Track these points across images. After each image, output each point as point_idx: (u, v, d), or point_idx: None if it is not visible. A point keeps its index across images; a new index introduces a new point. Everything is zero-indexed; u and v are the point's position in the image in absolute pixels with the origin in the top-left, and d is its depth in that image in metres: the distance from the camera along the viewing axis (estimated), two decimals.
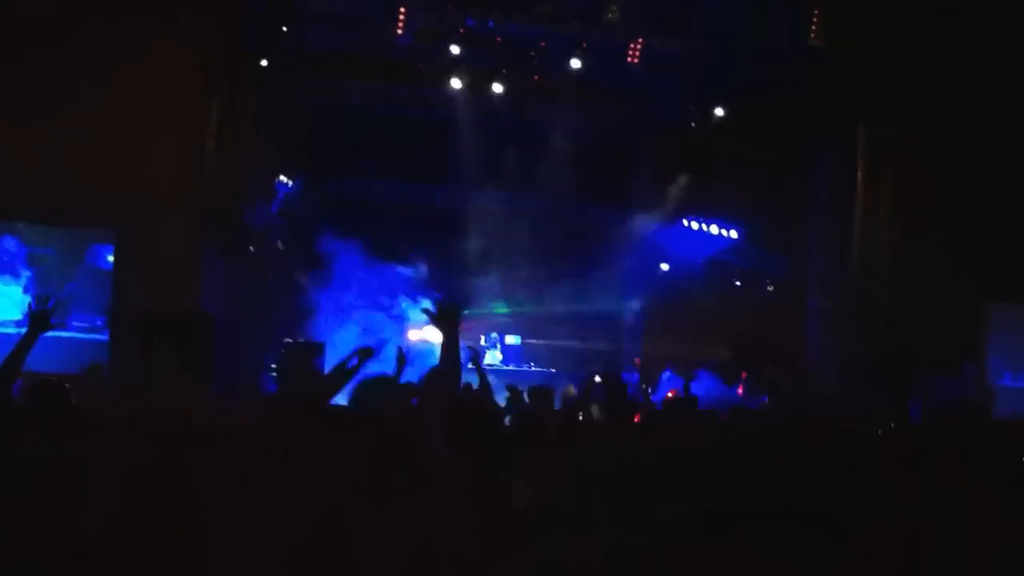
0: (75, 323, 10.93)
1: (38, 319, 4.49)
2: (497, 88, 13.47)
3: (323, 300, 13.05)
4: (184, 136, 11.06)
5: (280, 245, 13.20)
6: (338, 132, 13.34)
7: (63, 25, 10.69)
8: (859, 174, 13.19)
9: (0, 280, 11.02)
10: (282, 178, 13.08)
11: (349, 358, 4.77)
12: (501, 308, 15.11)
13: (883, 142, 13.18)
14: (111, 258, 11.18)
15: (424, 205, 14.32)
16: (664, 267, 15.01)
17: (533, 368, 14.56)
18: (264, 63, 11.93)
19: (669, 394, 11.18)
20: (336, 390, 5.16)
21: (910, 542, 3.00)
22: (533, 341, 15.11)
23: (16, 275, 11.04)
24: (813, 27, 12.76)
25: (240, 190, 11.64)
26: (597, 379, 8.25)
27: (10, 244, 11.06)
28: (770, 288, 14.41)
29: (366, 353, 4.54)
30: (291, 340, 12.29)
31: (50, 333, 4.61)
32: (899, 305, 12.39)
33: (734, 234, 14.51)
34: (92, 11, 10.70)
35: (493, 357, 14.84)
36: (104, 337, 10.89)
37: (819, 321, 13.46)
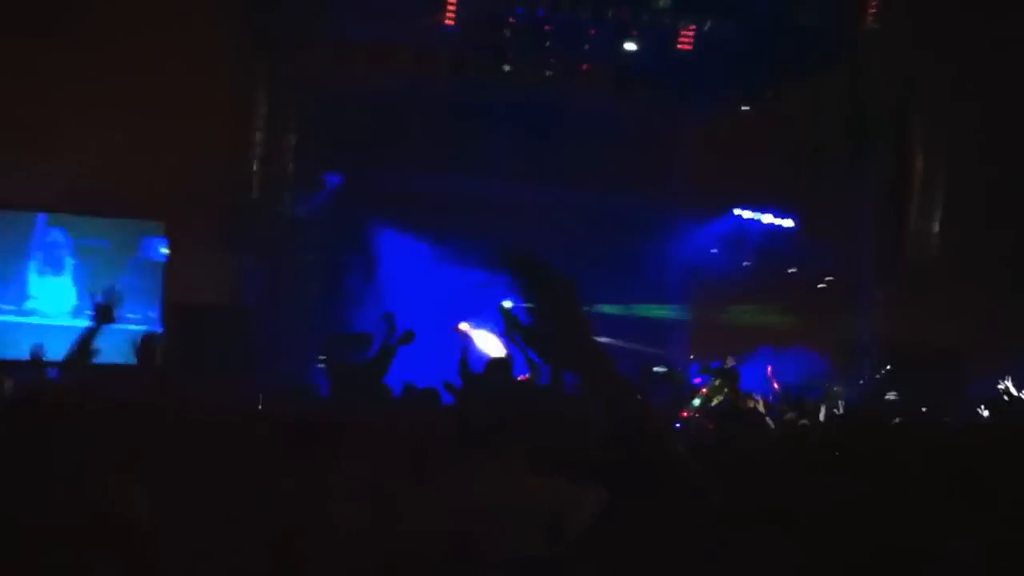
0: (128, 315, 11.06)
1: (102, 312, 4.60)
2: (544, 77, 13.38)
3: (368, 292, 13.06)
4: (229, 130, 11.14)
5: (325, 238, 13.21)
6: (382, 124, 13.28)
7: (111, 22, 10.81)
8: (916, 161, 12.89)
9: (50, 272, 11.18)
10: (327, 171, 13.09)
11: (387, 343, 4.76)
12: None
13: (941, 128, 12.87)
14: (164, 250, 11.29)
15: (469, 197, 14.22)
16: (714, 254, 14.76)
17: None
18: (308, 56, 11.94)
19: None
20: (381, 374, 5.19)
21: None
22: None
23: (63, 267, 11.19)
24: (869, 10, 12.53)
25: (284, 183, 11.69)
26: (656, 369, 8.17)
27: (57, 236, 11.21)
28: (828, 279, 14.11)
29: (405, 338, 4.57)
30: (338, 332, 12.27)
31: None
32: (953, 298, 12.10)
33: (789, 223, 14.25)
34: (140, 7, 10.81)
35: None
36: (158, 329, 11.00)
37: (870, 312, 13.20)
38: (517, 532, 3.16)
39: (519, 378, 7.01)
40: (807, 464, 4.16)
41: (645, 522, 2.97)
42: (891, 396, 10.57)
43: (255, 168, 11.33)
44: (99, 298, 4.70)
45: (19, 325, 10.93)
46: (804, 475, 3.84)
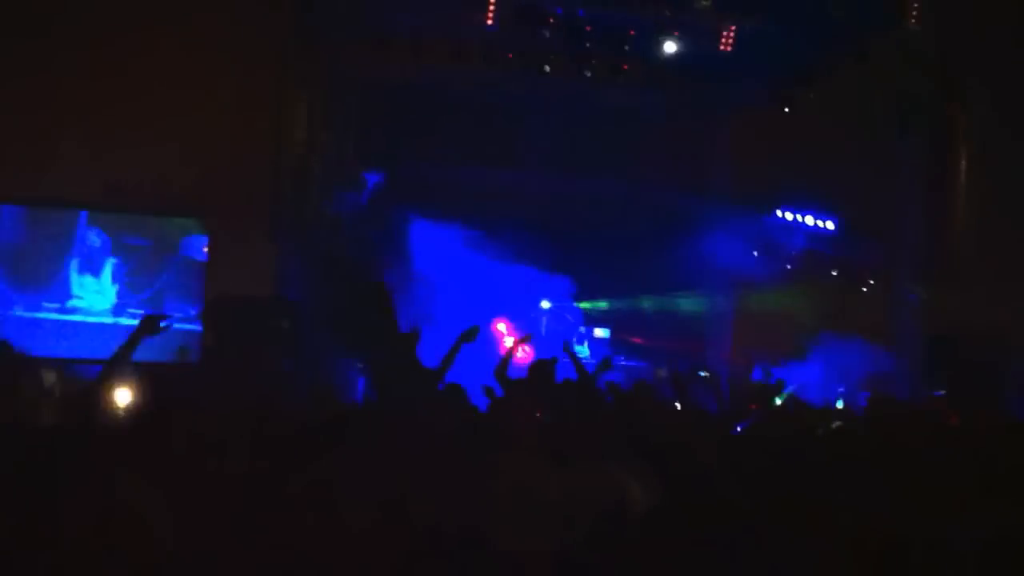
0: (170, 313, 11.13)
1: (148, 324, 4.69)
2: (584, 75, 13.33)
3: (409, 289, 13.04)
4: (267, 126, 11.17)
5: (366, 234, 13.20)
6: (423, 119, 13.28)
7: (144, 17, 10.88)
8: (956, 158, 12.67)
9: (91, 270, 11.27)
10: (367, 167, 13.08)
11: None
12: (587, 304, 14.95)
13: (980, 124, 12.64)
14: (206, 249, 11.35)
15: (510, 192, 14.15)
16: (754, 256, 14.61)
17: (623, 362, 14.33)
18: (345, 51, 11.93)
19: None
20: (444, 374, 5.21)
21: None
22: (623, 335, 14.89)
23: (102, 267, 11.29)
24: (913, 9, 12.36)
25: (322, 180, 11.69)
26: (702, 374, 8.14)
27: (94, 239, 11.30)
28: (870, 281, 13.93)
29: (469, 335, 4.57)
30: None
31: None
32: (995, 293, 11.89)
33: (830, 225, 14.09)
34: (178, 3, 10.88)
35: (581, 351, 14.69)
36: (197, 327, 11.06)
37: (911, 309, 12.99)
38: (531, 524, 3.13)
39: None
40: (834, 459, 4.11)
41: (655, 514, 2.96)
42: (936, 392, 10.38)
43: (296, 164, 11.35)
44: (148, 309, 4.79)
45: (62, 323, 11.04)
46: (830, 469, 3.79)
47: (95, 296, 11.13)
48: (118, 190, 10.77)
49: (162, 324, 4.72)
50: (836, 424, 7.55)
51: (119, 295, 11.19)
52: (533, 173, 13.97)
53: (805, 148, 13.27)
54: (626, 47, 12.96)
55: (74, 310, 11.15)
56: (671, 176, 14.19)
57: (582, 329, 14.87)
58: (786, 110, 13.83)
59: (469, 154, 13.71)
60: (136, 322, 4.68)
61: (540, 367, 6.35)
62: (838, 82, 13.07)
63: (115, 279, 11.22)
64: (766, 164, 13.88)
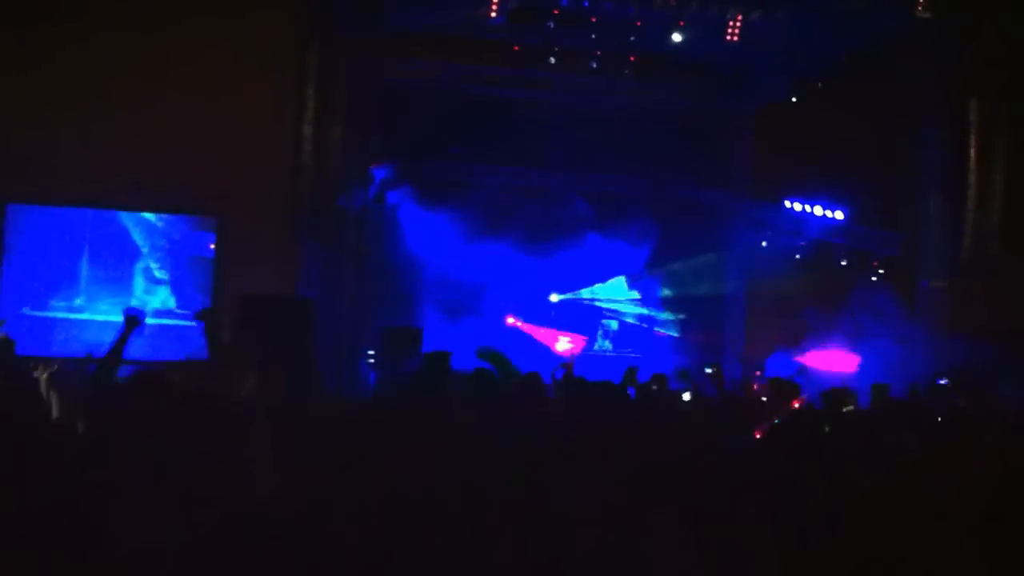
0: (178, 311, 11.10)
1: (131, 320, 4.85)
2: (592, 68, 13.29)
3: (418, 284, 13.04)
4: (281, 123, 11.13)
5: (379, 230, 13.17)
6: (433, 116, 13.21)
7: (161, 17, 10.84)
8: (971, 149, 12.60)
9: (101, 268, 11.26)
10: (381, 163, 13.02)
11: None
12: (601, 292, 14.93)
13: (996, 116, 12.56)
14: (212, 246, 11.32)
15: (520, 188, 14.09)
16: (764, 246, 14.58)
17: (632, 354, 14.32)
18: (358, 48, 11.87)
19: None
20: None
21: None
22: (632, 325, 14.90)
23: (115, 263, 11.28)
24: None
25: (336, 176, 11.62)
26: (708, 371, 8.16)
27: (110, 232, 11.29)
28: (880, 271, 13.89)
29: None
30: (388, 326, 12.18)
31: (154, 322, 4.86)
32: (1013, 285, 11.83)
33: (839, 215, 14.06)
34: (199, 5, 10.86)
35: (601, 344, 14.73)
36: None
37: (929, 301, 12.93)
38: None
39: None
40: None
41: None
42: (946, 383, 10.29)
43: (310, 161, 11.31)
44: (130, 309, 4.89)
45: (70, 322, 11.00)
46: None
47: (106, 294, 11.09)
48: (134, 189, 10.73)
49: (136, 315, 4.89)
50: (846, 409, 7.55)
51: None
52: (547, 169, 13.95)
53: (816, 142, 13.21)
54: (632, 38, 12.91)
55: (82, 308, 11.11)
56: (689, 171, 14.16)
57: (613, 323, 14.84)
58: (805, 104, 13.76)
59: (484, 151, 13.67)
60: (150, 321, 4.73)
61: (528, 381, 6.30)
62: (855, 75, 12.98)
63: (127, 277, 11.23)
64: (777, 157, 13.83)
